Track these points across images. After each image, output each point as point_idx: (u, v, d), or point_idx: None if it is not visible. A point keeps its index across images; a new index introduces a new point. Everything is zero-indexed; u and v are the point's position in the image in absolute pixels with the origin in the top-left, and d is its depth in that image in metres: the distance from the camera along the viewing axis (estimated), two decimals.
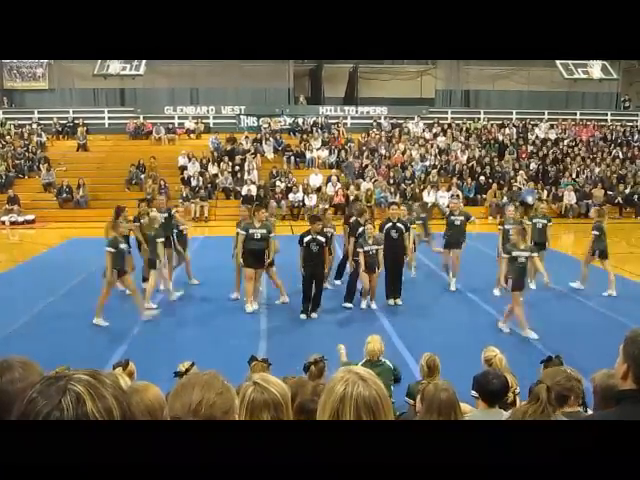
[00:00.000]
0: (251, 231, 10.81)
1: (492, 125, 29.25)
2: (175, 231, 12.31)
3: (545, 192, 24.59)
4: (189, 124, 28.34)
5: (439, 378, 5.25)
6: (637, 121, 30.62)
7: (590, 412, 4.14)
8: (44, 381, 1.34)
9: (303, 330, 10.06)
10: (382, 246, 10.92)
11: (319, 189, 24.13)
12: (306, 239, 10.52)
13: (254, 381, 2.69)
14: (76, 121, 28.01)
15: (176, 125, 28.43)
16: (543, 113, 30.22)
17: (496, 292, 11.78)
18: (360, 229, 11.12)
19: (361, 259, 10.73)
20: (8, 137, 26.99)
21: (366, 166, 25.50)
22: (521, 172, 25.38)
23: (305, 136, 27.69)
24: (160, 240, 11.12)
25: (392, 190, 24.14)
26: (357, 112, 29.84)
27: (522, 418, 3.23)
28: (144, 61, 27.62)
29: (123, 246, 10.23)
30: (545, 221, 12.63)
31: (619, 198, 24.32)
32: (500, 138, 28.19)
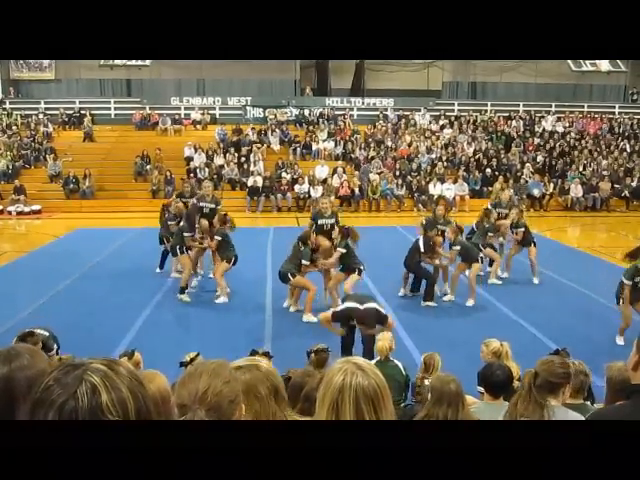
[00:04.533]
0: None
1: (499, 117, 29.13)
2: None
3: (552, 185, 24.51)
4: (195, 115, 28.32)
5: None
6: None
7: (597, 405, 4.14)
8: (62, 368, 1.34)
9: (309, 324, 10.06)
10: None
11: (325, 181, 24.11)
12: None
13: (238, 366, 2.74)
14: (82, 111, 28.04)
15: (182, 116, 28.41)
16: (550, 105, 30.07)
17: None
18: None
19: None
20: (15, 127, 27.03)
21: (372, 158, 25.45)
22: (528, 165, 25.28)
23: (311, 127, 27.65)
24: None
25: (398, 182, 24.11)
26: (363, 104, 29.76)
27: (514, 407, 3.24)
28: None
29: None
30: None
31: (626, 191, 24.21)
32: (507, 130, 28.09)
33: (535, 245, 12.56)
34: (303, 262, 10.21)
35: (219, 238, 11.17)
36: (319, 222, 10.65)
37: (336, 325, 7.46)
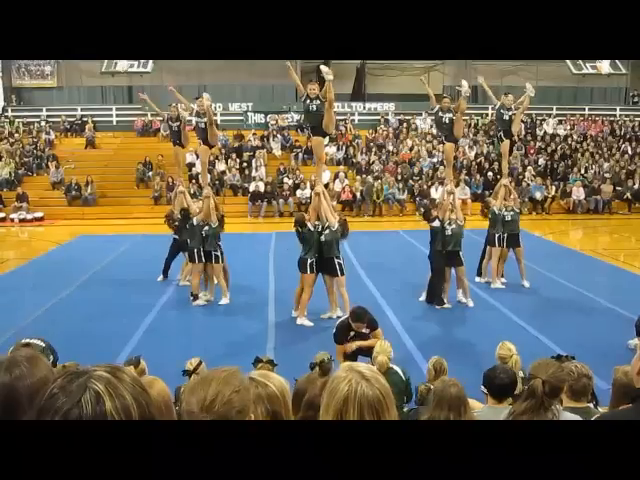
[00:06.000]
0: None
1: None
2: None
3: (553, 188, 24.49)
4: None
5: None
6: None
7: (600, 409, 4.13)
8: (66, 376, 1.35)
9: (310, 328, 10.06)
10: None
11: (327, 185, 24.11)
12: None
13: (250, 377, 2.75)
14: (84, 119, 28.09)
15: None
16: (551, 108, 30.04)
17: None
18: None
19: None
20: (17, 135, 27.09)
21: (373, 162, 25.48)
22: (529, 168, 25.27)
23: None
24: None
25: (400, 187, 24.11)
26: (364, 108, 29.75)
27: (520, 415, 3.23)
28: None
29: None
30: None
31: (628, 194, 24.18)
32: None
33: (521, 246, 12.42)
34: (308, 225, 10.28)
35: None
36: (307, 102, 10.22)
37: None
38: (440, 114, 11.78)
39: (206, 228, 11.19)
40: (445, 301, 11.04)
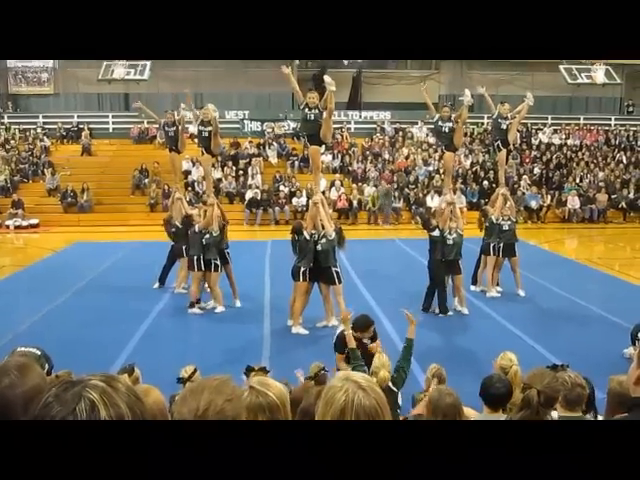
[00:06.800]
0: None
1: None
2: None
3: (549, 197, 24.57)
4: (193, 129, 28.33)
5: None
6: None
7: (600, 417, 4.13)
8: (60, 385, 1.35)
9: (306, 337, 10.04)
10: None
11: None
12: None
13: (250, 385, 2.73)
14: (80, 126, 28.09)
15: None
16: (547, 118, 30.16)
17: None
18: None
19: None
20: (13, 141, 27.06)
21: (369, 170, 25.52)
22: (525, 177, 25.34)
23: None
24: None
25: (396, 195, 24.14)
26: (361, 117, 29.84)
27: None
28: (148, 66, 27.68)
29: None
30: None
31: (623, 203, 24.28)
32: None
33: (517, 255, 12.38)
34: (305, 234, 10.22)
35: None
36: (305, 111, 10.18)
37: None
38: (440, 123, 11.81)
39: (207, 236, 11.18)
40: (448, 309, 11.09)
